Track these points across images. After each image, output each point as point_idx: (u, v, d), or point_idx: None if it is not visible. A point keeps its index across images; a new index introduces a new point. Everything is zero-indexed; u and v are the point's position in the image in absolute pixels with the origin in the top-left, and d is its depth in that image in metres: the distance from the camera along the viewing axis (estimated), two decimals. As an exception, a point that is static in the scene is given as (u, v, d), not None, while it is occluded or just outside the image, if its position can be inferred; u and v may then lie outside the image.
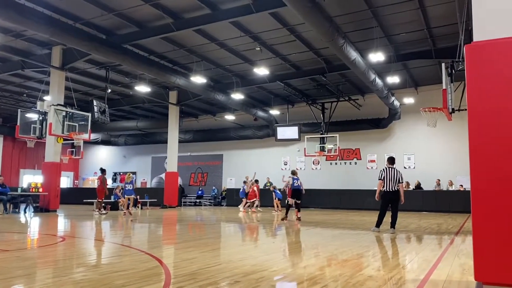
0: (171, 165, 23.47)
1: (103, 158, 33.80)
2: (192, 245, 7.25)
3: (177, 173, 23.87)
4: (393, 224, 9.47)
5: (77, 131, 16.58)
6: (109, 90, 20.19)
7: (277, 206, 18.75)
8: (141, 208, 21.27)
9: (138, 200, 21.04)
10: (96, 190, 16.52)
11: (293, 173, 13.59)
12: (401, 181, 9.41)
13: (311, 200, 20.48)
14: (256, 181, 20.08)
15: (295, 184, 13.11)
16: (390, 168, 9.50)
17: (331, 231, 10.27)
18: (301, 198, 13.24)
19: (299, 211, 13.16)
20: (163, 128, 25.10)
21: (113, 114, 26.68)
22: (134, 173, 32.37)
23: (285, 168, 25.65)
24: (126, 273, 4.55)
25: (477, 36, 3.58)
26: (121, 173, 32.18)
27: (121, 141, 30.94)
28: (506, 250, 3.30)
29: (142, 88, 19.89)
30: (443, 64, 10.20)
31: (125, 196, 16.11)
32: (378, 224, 9.58)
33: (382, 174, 9.53)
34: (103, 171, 16.95)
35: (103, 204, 16.56)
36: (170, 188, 23.21)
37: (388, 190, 9.38)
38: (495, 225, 3.37)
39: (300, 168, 25.00)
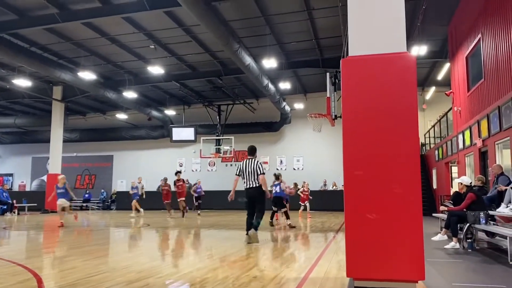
0: (54, 166, 21.67)
1: (-27, 158, 29.92)
2: (74, 253, 6.77)
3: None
4: (255, 226, 7.67)
5: None
6: (-19, 82, 18.02)
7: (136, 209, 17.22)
8: (18, 214, 19.31)
9: (15, 205, 19.16)
10: None
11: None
12: (259, 172, 7.62)
13: (206, 202, 20.47)
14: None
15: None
16: (249, 160, 7.80)
17: (224, 232, 10.38)
18: None
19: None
20: (45, 126, 23.09)
21: (-14, 109, 23.84)
22: (11, 175, 29.32)
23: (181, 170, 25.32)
24: (-9, 289, 4.07)
25: (351, 51, 3.91)
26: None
27: (-4, 139, 27.73)
28: (371, 248, 3.65)
29: (21, 82, 18.05)
30: (327, 74, 11.01)
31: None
32: (248, 228, 7.72)
33: (238, 168, 7.88)
34: None
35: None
36: (53, 192, 21.39)
37: (248, 186, 7.76)
38: (363, 224, 3.70)
39: (196, 170, 24.92)
